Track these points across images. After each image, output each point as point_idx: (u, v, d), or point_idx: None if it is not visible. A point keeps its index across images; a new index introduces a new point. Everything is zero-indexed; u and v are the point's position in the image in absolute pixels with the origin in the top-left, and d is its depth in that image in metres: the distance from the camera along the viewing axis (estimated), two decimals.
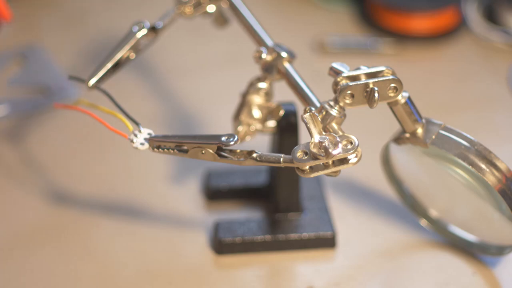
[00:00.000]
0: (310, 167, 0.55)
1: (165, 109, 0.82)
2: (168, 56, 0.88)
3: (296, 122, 0.65)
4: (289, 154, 0.56)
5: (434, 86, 0.86)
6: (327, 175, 0.55)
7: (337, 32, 0.91)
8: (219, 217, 0.70)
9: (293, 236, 0.67)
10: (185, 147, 0.59)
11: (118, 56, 0.64)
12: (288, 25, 0.93)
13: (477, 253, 0.67)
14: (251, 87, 0.64)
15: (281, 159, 0.56)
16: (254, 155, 0.57)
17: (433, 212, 0.69)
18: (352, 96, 0.57)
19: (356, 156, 0.54)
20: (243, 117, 0.64)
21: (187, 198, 0.72)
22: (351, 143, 0.54)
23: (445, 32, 0.90)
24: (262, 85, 0.64)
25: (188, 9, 0.68)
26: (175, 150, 0.59)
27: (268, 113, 0.64)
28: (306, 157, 0.54)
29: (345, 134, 0.55)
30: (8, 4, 0.71)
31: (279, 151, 0.65)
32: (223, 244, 0.67)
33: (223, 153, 0.58)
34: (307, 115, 0.54)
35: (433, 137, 0.61)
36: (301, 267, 0.67)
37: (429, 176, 0.66)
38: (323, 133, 0.54)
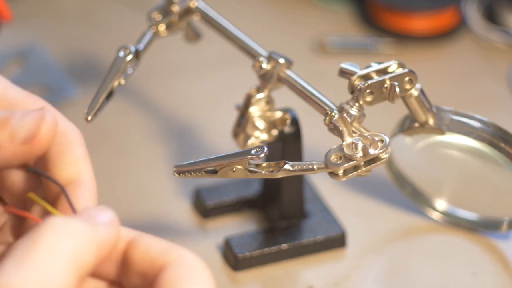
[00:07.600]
0: (344, 170, 0.55)
1: (163, 108, 0.81)
2: (166, 56, 0.88)
3: (299, 128, 0.65)
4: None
5: (434, 86, 0.85)
6: (359, 176, 0.55)
7: (337, 32, 0.91)
8: (217, 234, 0.68)
9: (306, 241, 0.66)
10: (214, 168, 0.57)
11: (110, 86, 0.63)
12: (287, 25, 0.93)
13: (489, 231, 0.67)
14: (250, 98, 0.63)
15: (315, 166, 0.55)
16: (287, 166, 0.56)
17: (441, 201, 0.68)
18: (372, 93, 0.57)
19: (386, 153, 0.54)
20: (249, 130, 0.63)
21: (182, 219, 0.70)
22: (382, 141, 0.54)
23: (445, 32, 0.90)
24: (262, 95, 0.63)
25: (161, 28, 0.67)
26: (203, 173, 0.57)
27: (272, 122, 0.64)
28: (340, 161, 0.54)
29: (373, 132, 0.55)
30: (8, 4, 0.71)
31: (282, 158, 0.64)
32: (240, 260, 0.65)
33: (252, 168, 0.57)
34: (336, 118, 0.54)
35: (447, 123, 0.61)
36: (301, 267, 0.67)
37: (437, 164, 0.66)
38: (353, 134, 0.54)
